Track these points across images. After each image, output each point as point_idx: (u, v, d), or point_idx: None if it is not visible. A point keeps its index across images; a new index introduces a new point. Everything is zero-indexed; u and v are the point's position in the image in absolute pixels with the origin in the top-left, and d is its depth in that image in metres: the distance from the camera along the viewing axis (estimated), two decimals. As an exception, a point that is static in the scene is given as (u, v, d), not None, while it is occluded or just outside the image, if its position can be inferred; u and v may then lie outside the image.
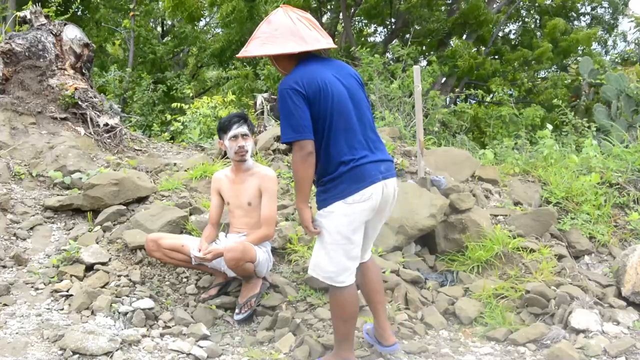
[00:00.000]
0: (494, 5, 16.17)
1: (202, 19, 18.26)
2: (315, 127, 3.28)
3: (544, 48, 14.83)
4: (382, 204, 3.44)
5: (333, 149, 3.31)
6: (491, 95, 15.33)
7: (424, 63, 13.96)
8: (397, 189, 3.58)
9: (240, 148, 4.27)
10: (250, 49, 3.41)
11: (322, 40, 3.39)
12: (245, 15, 13.80)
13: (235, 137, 4.27)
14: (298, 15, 3.39)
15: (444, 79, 13.82)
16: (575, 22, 18.21)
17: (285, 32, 3.32)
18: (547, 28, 15.46)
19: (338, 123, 3.31)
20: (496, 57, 16.47)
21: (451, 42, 15.74)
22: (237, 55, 3.60)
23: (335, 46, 3.76)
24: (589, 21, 18.48)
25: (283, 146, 6.61)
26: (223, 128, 4.33)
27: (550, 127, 7.35)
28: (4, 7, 12.09)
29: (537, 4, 16.97)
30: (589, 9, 18.04)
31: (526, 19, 18.45)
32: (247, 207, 4.36)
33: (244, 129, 4.29)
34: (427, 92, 10.08)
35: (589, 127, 8.57)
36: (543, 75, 17.45)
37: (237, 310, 4.26)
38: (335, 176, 3.31)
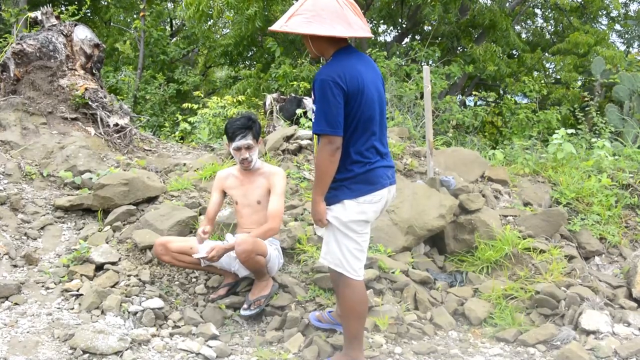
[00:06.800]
0: (507, 4, 16.04)
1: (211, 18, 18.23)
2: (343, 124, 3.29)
3: (569, 68, 14.79)
4: (384, 207, 3.53)
5: (352, 149, 3.34)
6: (502, 96, 15.20)
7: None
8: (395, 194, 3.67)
9: (244, 160, 4.29)
10: (293, 25, 3.28)
11: (365, 28, 3.35)
12: (261, 13, 13.69)
13: (238, 149, 4.28)
14: None
15: (455, 79, 13.70)
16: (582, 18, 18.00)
17: (332, 14, 3.24)
18: (569, 41, 15.20)
19: (363, 125, 3.33)
20: (513, 54, 16.33)
21: (459, 45, 15.56)
22: (271, 28, 3.40)
23: (372, 36, 3.72)
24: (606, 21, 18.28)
25: (292, 146, 6.61)
26: (228, 136, 4.33)
27: (570, 131, 7.25)
28: (23, 8, 12.19)
29: (550, 5, 16.83)
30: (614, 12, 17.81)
31: (540, 19, 18.31)
32: (256, 206, 4.37)
33: (247, 140, 4.26)
34: (440, 94, 10.01)
35: (605, 127, 8.50)
36: (555, 78, 17.32)
37: (245, 306, 4.26)
38: (350, 176, 3.35)
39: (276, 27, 3.35)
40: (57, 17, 7.45)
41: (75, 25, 7.38)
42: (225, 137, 4.47)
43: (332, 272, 3.58)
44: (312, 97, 3.34)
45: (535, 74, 17.02)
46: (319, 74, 3.26)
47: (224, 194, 4.52)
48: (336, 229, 3.40)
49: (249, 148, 4.28)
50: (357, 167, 3.34)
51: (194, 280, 4.69)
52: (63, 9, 8.39)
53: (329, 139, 3.23)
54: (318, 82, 3.24)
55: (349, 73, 3.24)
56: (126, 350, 3.69)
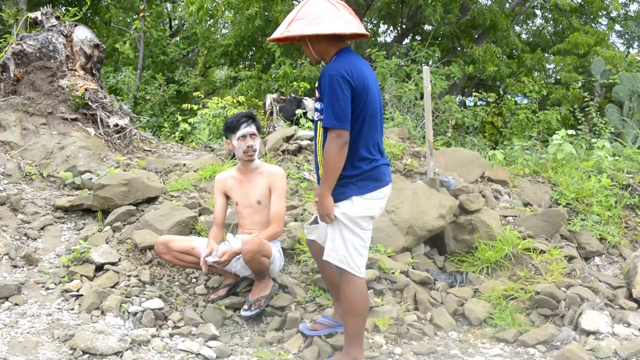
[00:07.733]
0: (507, 5, 16.03)
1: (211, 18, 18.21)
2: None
3: (569, 70, 14.81)
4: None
5: (361, 145, 3.37)
6: (502, 96, 15.19)
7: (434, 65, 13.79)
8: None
9: (249, 147, 4.29)
10: (295, 29, 3.35)
11: (362, 27, 3.43)
12: (261, 13, 13.67)
13: (243, 136, 4.29)
14: (336, 1, 3.41)
15: (455, 79, 13.70)
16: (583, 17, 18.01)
17: (331, 15, 3.33)
18: (569, 41, 15.19)
19: (368, 122, 3.37)
20: (513, 54, 16.33)
21: (459, 46, 15.55)
22: (272, 37, 3.49)
23: (369, 34, 3.76)
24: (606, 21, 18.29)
25: (292, 147, 6.61)
26: (231, 128, 4.34)
27: (571, 132, 7.24)
28: (21, 9, 12.19)
29: (550, 5, 16.83)
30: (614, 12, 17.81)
31: (540, 19, 18.32)
32: (256, 206, 4.37)
33: (252, 128, 4.31)
34: (440, 95, 9.97)
35: (605, 128, 8.50)
36: (555, 78, 17.33)
37: (245, 307, 4.26)
38: (357, 173, 3.38)
39: (277, 34, 3.42)
40: (57, 18, 7.44)
41: (75, 25, 7.37)
42: (225, 136, 4.48)
43: (330, 272, 3.59)
44: (317, 94, 3.37)
45: (536, 74, 17.02)
46: (327, 70, 3.30)
47: (227, 196, 4.53)
48: (342, 225, 3.42)
49: (253, 136, 4.32)
50: (364, 164, 3.38)
51: (194, 280, 4.69)
52: (63, 9, 8.37)
53: (337, 132, 3.25)
54: (326, 78, 3.28)
55: (355, 70, 3.30)
56: (126, 350, 3.69)
